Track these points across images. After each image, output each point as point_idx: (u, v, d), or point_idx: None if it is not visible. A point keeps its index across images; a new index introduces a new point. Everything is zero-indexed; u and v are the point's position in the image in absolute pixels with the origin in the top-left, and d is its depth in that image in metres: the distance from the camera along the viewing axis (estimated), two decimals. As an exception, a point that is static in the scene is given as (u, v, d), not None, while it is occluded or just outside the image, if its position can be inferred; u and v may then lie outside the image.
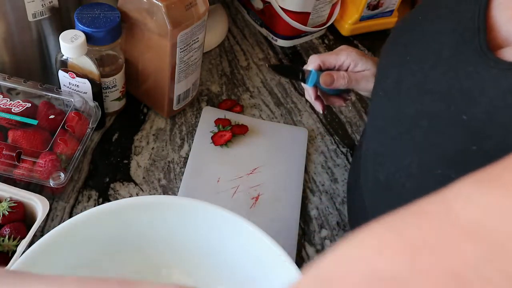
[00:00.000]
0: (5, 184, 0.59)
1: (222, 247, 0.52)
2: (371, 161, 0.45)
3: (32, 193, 0.58)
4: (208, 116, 0.76)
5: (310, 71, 0.64)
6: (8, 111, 0.62)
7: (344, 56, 0.64)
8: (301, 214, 0.68)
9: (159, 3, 0.61)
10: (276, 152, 0.73)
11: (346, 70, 0.64)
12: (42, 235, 0.47)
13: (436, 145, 0.40)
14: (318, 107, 0.67)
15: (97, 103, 0.66)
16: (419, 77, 0.42)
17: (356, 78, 0.64)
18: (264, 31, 0.93)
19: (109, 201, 0.65)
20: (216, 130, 0.74)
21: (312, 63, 0.65)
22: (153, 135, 0.74)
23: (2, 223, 0.56)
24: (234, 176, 0.70)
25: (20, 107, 0.63)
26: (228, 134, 0.73)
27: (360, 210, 0.56)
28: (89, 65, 0.64)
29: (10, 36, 0.64)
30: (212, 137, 0.73)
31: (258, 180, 0.70)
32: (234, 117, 0.77)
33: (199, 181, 0.69)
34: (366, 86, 0.64)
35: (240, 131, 0.74)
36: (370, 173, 0.46)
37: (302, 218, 0.67)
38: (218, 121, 0.75)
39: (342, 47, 0.66)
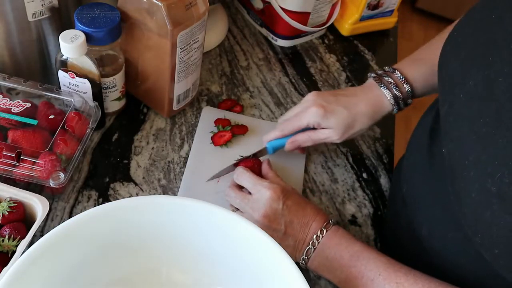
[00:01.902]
0: (5, 184, 0.58)
1: (221, 247, 0.52)
2: (476, 171, 0.42)
3: (32, 193, 0.58)
4: (208, 116, 0.76)
5: (265, 147, 0.71)
6: (8, 111, 0.62)
7: (306, 121, 0.66)
8: (301, 214, 0.67)
9: (159, 3, 0.61)
10: (275, 152, 0.72)
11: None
12: (42, 235, 0.47)
13: None
14: (298, 152, 0.73)
15: (97, 103, 0.66)
16: None
17: (319, 139, 0.68)
18: (264, 31, 0.93)
19: (109, 201, 0.65)
20: (216, 130, 0.74)
21: (273, 135, 0.70)
22: (153, 135, 0.74)
23: (2, 223, 0.56)
24: None
25: (20, 107, 0.63)
26: (228, 134, 0.73)
27: (438, 220, 0.55)
28: (89, 65, 0.64)
29: (10, 36, 0.64)
30: (212, 137, 0.73)
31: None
32: (234, 117, 0.77)
33: (199, 181, 0.69)
34: (331, 142, 0.68)
35: (240, 131, 0.74)
36: (474, 183, 0.42)
37: (302, 218, 0.67)
38: (218, 121, 0.75)
39: (310, 97, 0.67)
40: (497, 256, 0.42)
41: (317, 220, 0.59)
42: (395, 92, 0.66)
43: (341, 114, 0.65)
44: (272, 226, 0.59)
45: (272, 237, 0.58)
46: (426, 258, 0.56)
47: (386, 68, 0.69)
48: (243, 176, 0.64)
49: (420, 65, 0.68)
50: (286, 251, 0.58)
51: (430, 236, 0.56)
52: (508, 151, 0.39)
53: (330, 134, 0.66)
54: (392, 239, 0.67)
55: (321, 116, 0.65)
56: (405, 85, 0.66)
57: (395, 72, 0.67)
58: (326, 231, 0.58)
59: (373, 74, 0.69)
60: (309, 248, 0.58)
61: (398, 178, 0.69)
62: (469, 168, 0.43)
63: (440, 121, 0.51)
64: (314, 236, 0.58)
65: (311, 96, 0.67)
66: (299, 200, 0.61)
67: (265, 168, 0.67)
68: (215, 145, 0.73)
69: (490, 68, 0.43)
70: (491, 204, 0.40)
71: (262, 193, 0.60)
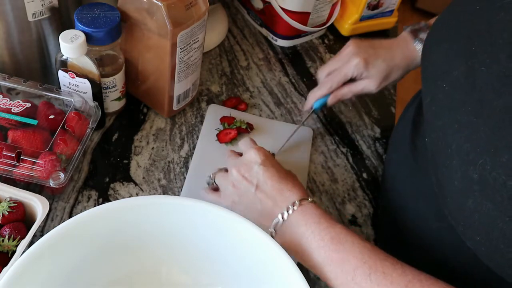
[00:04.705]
0: (5, 184, 0.58)
1: (221, 247, 0.52)
2: (458, 159, 0.43)
3: (32, 193, 0.58)
4: (214, 114, 0.77)
5: (312, 109, 0.75)
6: (8, 111, 0.62)
7: (350, 73, 0.70)
8: (301, 214, 0.67)
9: (159, 3, 0.61)
10: (280, 150, 0.73)
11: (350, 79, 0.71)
12: (42, 235, 0.47)
13: None
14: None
15: (97, 103, 0.66)
16: (496, 68, 0.41)
17: (358, 90, 0.71)
18: (264, 31, 0.93)
19: (109, 201, 0.65)
20: (221, 127, 0.75)
21: (321, 93, 0.72)
22: (153, 135, 0.74)
23: (2, 223, 0.56)
24: None
25: (20, 107, 0.63)
26: (234, 132, 0.73)
27: (425, 210, 0.55)
28: (89, 65, 0.64)
29: (10, 36, 0.64)
30: (217, 135, 0.74)
31: None
32: (239, 115, 0.77)
33: (203, 178, 0.69)
34: (368, 92, 0.71)
35: (245, 130, 0.75)
36: (456, 172, 0.43)
37: (302, 218, 0.67)
38: (223, 119, 0.76)
39: (351, 49, 0.70)
40: (479, 244, 0.42)
41: (293, 192, 0.55)
42: None
43: (380, 66, 0.69)
44: (243, 181, 0.57)
45: (242, 195, 0.56)
46: (411, 253, 0.56)
47: (422, 23, 0.71)
48: (244, 141, 0.63)
49: None
50: (253, 216, 0.55)
51: (414, 229, 0.56)
52: (490, 139, 0.40)
53: (368, 84, 0.70)
54: (385, 234, 0.67)
55: (364, 67, 0.68)
56: None
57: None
58: (300, 205, 0.53)
59: (409, 28, 0.71)
60: (277, 220, 0.53)
61: (383, 175, 0.69)
62: (451, 157, 0.43)
63: (423, 112, 0.52)
64: (285, 207, 0.54)
65: (352, 48, 0.70)
66: (280, 168, 0.58)
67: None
68: (221, 142, 0.73)
69: (473, 58, 0.44)
70: (473, 192, 0.41)
71: (249, 152, 0.59)
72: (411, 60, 0.70)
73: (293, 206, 0.53)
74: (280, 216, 0.53)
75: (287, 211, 0.53)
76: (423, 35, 0.69)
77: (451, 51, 0.48)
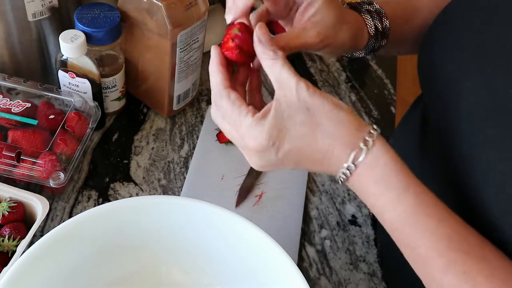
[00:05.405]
0: (5, 184, 0.59)
1: (222, 247, 0.52)
2: (493, 175, 0.40)
3: (32, 193, 0.58)
4: None
5: None
6: (8, 111, 0.62)
7: None
8: (301, 214, 0.67)
9: (159, 3, 0.61)
10: None
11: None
12: (42, 235, 0.47)
13: None
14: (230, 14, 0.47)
15: (97, 103, 0.66)
16: None
17: (298, 45, 0.50)
18: (264, 31, 0.93)
19: (109, 201, 0.65)
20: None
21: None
22: (153, 135, 0.74)
23: (2, 223, 0.56)
24: (238, 174, 0.70)
25: (20, 107, 0.63)
26: None
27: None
28: (89, 65, 0.64)
29: (10, 36, 0.64)
30: (217, 135, 0.74)
31: (261, 178, 0.70)
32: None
33: (203, 178, 0.69)
34: (310, 49, 0.51)
35: None
36: (492, 187, 0.40)
37: (302, 218, 0.67)
38: None
39: None
40: None
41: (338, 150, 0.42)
42: (376, 21, 0.54)
43: (328, 5, 0.48)
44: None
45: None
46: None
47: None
48: (220, 104, 0.44)
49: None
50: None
51: None
52: None
53: (309, 33, 0.49)
54: (385, 234, 0.67)
55: None
56: (384, 19, 0.54)
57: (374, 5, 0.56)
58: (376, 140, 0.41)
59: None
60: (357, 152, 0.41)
61: None
62: (484, 173, 0.41)
63: (433, 122, 0.50)
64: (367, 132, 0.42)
65: None
66: (303, 133, 0.42)
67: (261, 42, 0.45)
68: (220, 142, 0.73)
69: (489, 69, 0.42)
70: None
71: (246, 143, 0.44)
72: (362, 25, 0.53)
73: (376, 130, 0.42)
74: (362, 144, 0.41)
75: (371, 138, 0.41)
76: (369, 7, 0.54)
77: (457, 58, 0.46)
